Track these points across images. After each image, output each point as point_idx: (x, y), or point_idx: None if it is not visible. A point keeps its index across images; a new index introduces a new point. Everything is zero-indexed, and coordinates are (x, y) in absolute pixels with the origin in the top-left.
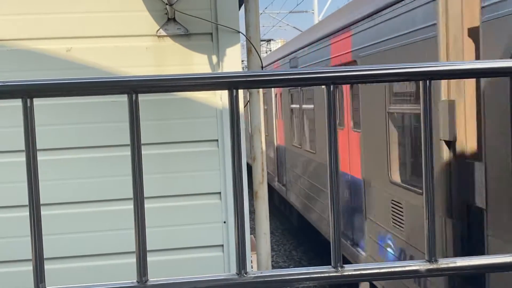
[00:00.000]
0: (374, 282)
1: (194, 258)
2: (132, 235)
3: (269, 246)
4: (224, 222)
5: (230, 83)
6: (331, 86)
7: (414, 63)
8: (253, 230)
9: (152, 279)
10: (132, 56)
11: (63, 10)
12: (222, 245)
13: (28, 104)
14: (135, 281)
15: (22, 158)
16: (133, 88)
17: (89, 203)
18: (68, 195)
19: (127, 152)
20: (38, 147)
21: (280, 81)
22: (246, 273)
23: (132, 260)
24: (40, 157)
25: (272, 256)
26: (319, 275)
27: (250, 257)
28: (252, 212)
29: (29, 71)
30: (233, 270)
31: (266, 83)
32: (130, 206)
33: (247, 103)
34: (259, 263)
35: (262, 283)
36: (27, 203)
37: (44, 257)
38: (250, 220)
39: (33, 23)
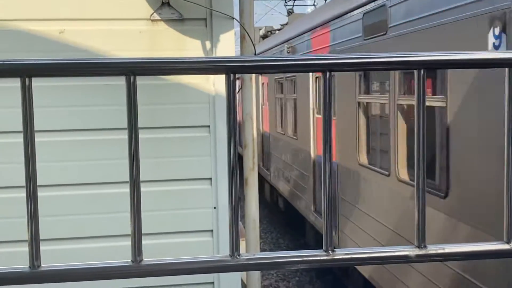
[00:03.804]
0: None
1: (184, 242)
2: (128, 218)
3: (258, 233)
4: (214, 208)
5: (228, 68)
6: (328, 73)
7: (409, 52)
8: (241, 217)
9: (147, 259)
10: (126, 39)
11: None
12: (212, 230)
13: (27, 84)
14: (129, 260)
15: (18, 139)
16: (131, 70)
17: (84, 185)
18: (63, 177)
19: (120, 135)
20: (35, 128)
21: (277, 66)
22: (239, 255)
23: (128, 243)
24: (37, 138)
25: (260, 244)
26: (310, 259)
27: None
28: (241, 199)
29: (21, 52)
30: (222, 254)
31: (263, 69)
32: (123, 189)
33: (239, 90)
34: (248, 249)
35: (254, 265)
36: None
37: (42, 238)
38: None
39: (26, 4)
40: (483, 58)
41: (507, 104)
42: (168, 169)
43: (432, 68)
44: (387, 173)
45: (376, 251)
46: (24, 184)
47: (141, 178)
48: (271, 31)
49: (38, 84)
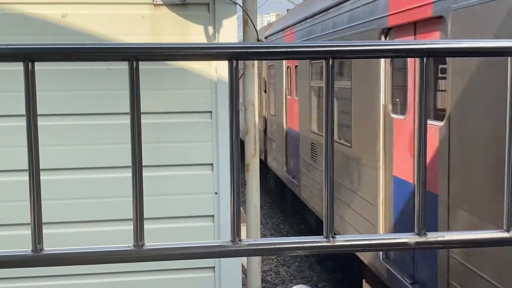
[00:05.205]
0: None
1: (185, 227)
2: (129, 202)
3: (258, 218)
4: (216, 193)
5: (231, 54)
6: (330, 60)
7: (412, 40)
8: (242, 203)
9: (148, 243)
10: (128, 24)
11: None
12: (213, 216)
13: (30, 68)
14: (131, 245)
15: (21, 123)
16: (134, 55)
17: (86, 169)
18: (65, 161)
19: (122, 120)
20: (38, 112)
21: (281, 53)
22: (240, 241)
23: (129, 227)
24: (40, 122)
25: (260, 229)
26: (311, 245)
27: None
28: (242, 185)
29: (23, 36)
30: (223, 239)
31: (266, 55)
32: (125, 174)
33: (241, 76)
34: (249, 235)
35: (255, 251)
36: (27, 167)
37: (44, 221)
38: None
39: None
40: (486, 46)
41: (509, 93)
42: (169, 154)
43: (435, 56)
44: None
45: (376, 238)
46: (26, 167)
47: (143, 163)
48: None
49: (40, 68)
